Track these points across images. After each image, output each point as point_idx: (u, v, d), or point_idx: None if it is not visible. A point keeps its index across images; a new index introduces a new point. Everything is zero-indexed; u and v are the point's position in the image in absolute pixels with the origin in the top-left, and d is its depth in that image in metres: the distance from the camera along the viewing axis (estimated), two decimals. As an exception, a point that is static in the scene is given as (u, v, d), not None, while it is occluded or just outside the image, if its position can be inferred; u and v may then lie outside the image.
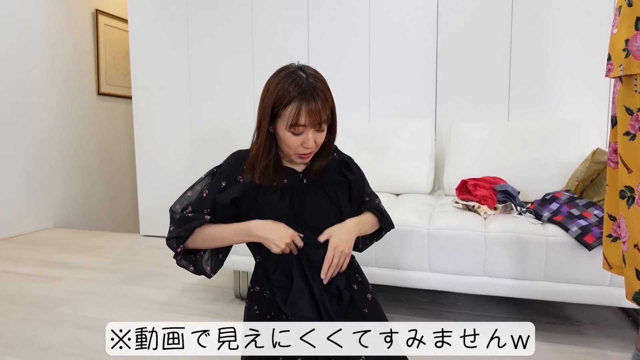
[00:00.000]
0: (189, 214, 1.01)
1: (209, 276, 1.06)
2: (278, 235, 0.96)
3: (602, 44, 2.25)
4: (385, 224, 1.14)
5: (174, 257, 1.04)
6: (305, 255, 0.99)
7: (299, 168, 1.07)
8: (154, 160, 3.23)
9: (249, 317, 1.06)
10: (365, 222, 1.09)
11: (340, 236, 1.00)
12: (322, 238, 1.00)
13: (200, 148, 3.10)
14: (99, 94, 4.00)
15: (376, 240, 1.18)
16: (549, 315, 1.80)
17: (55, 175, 3.64)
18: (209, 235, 1.01)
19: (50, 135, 3.58)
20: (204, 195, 1.02)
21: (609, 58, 1.12)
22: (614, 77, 1.12)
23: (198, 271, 1.05)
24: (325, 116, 0.97)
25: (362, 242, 1.15)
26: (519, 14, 2.38)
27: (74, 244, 3.09)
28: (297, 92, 0.93)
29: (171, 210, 1.04)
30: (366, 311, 1.06)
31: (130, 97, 3.50)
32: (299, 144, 0.97)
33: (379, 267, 1.73)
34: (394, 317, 1.80)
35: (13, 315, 1.88)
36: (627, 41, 1.05)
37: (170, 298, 2.05)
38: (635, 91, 1.03)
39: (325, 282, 0.98)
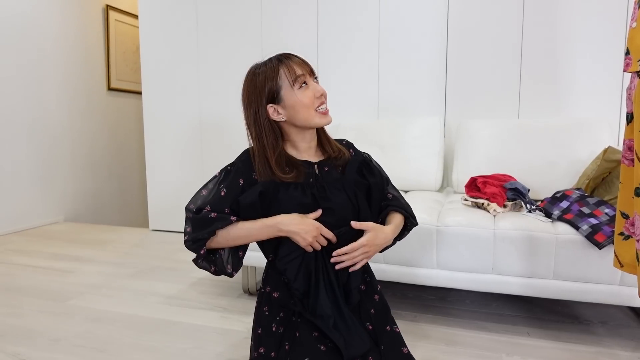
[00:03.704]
0: (212, 215, 0.98)
1: (231, 275, 1.04)
2: (305, 229, 0.96)
3: (615, 40, 2.24)
4: (410, 222, 1.13)
5: (195, 259, 1.01)
6: (331, 250, 1.00)
7: (314, 159, 1.07)
8: (164, 155, 3.25)
9: (258, 318, 1.06)
10: (398, 228, 1.09)
11: (376, 238, 1.01)
12: (357, 226, 1.00)
13: (209, 143, 3.11)
14: (109, 89, 4.03)
15: (398, 240, 1.15)
16: (558, 314, 1.79)
17: (65, 170, 3.68)
18: (234, 234, 0.99)
19: (60, 130, 3.62)
20: (222, 194, 1.00)
21: (627, 53, 1.10)
22: (632, 72, 1.10)
23: (219, 272, 1.03)
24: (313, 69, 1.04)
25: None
26: (530, 10, 2.35)
27: (84, 238, 3.12)
28: (276, 61, 1.01)
29: (187, 210, 1.01)
30: (373, 312, 1.07)
31: (140, 93, 3.53)
32: (313, 96, 1.00)
33: (387, 263, 1.73)
34: (402, 314, 1.80)
35: (25, 307, 1.90)
36: None
37: (179, 292, 2.07)
38: None
39: (332, 260, 0.99)
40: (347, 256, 0.99)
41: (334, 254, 0.99)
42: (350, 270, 1.01)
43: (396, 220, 1.09)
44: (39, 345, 1.57)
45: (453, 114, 2.51)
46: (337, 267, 1.00)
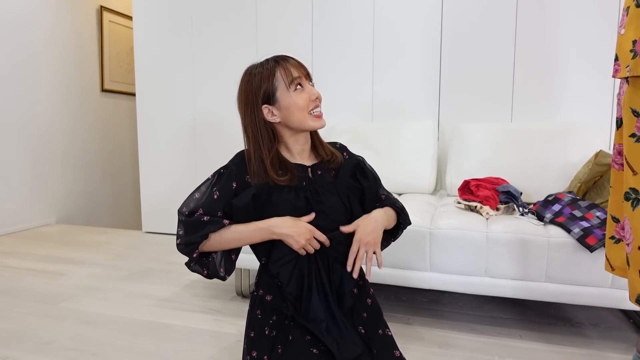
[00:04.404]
0: (204, 218, 0.97)
1: (224, 278, 1.04)
2: (298, 232, 0.96)
3: (607, 45, 2.26)
4: (403, 219, 1.12)
5: (188, 262, 1.01)
6: (324, 254, 1.00)
7: (307, 162, 1.07)
8: (157, 157, 3.24)
9: (251, 321, 1.05)
10: (389, 214, 1.08)
11: (365, 228, 1.01)
12: (347, 229, 1.00)
13: (203, 145, 3.11)
14: (103, 90, 4.01)
15: (393, 241, 1.16)
16: (550, 317, 1.81)
17: (58, 171, 3.66)
18: (226, 237, 0.98)
19: (53, 132, 3.59)
20: (215, 197, 0.99)
21: (616, 59, 1.11)
22: (620, 78, 1.11)
23: (212, 275, 1.02)
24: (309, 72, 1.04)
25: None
26: (523, 15, 2.37)
27: (77, 240, 3.10)
28: (273, 62, 1.01)
29: (179, 213, 1.00)
30: (365, 315, 1.07)
31: (133, 94, 3.52)
32: (308, 99, 1.00)
33: (381, 266, 1.73)
34: (395, 316, 1.81)
35: (16, 309, 1.89)
36: (634, 42, 1.04)
37: (172, 295, 2.06)
38: None
39: (349, 269, 1.00)
40: (357, 260, 1.00)
41: (349, 267, 1.00)
42: (350, 276, 1.02)
43: (387, 209, 1.08)
44: (30, 348, 1.56)
45: (447, 118, 2.53)
46: (355, 274, 1.01)
